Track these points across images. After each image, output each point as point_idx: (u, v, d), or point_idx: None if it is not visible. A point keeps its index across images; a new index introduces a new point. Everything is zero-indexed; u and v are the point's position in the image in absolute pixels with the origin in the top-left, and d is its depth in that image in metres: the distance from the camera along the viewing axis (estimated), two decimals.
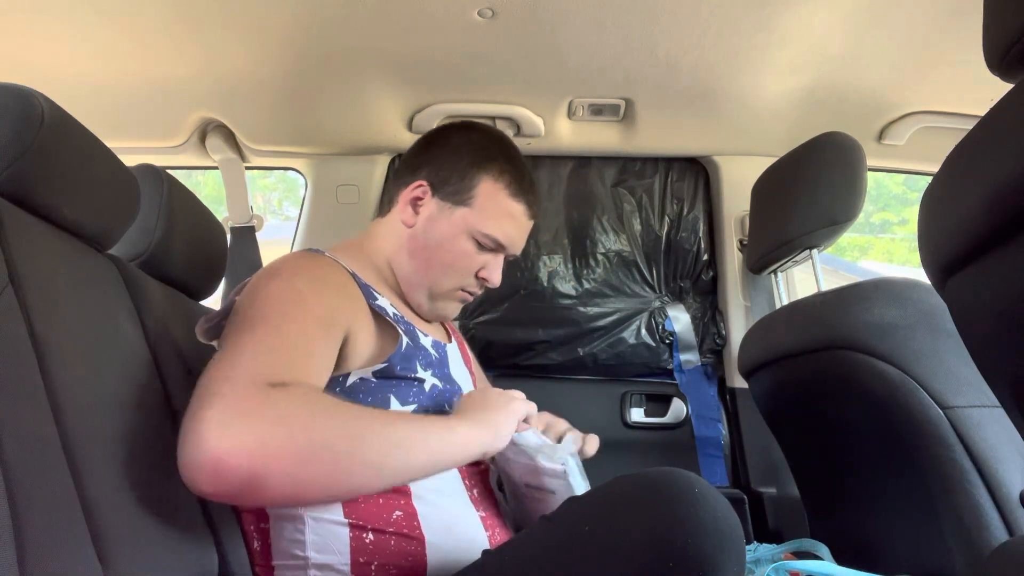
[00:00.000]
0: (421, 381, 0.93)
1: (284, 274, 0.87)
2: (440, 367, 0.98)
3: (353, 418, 0.72)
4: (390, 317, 0.93)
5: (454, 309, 1.10)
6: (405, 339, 0.92)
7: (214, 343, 0.92)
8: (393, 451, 0.73)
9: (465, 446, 0.81)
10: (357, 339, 0.88)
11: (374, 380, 0.89)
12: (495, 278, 1.07)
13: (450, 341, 1.13)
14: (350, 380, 0.88)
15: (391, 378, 0.90)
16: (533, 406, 0.94)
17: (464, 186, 1.04)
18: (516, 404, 0.90)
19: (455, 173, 1.04)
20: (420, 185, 1.05)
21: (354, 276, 0.94)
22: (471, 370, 1.17)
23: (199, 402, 0.66)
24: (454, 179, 1.04)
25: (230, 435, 0.62)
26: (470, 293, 1.08)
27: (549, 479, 0.90)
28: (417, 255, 1.04)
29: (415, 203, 1.05)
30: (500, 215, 1.05)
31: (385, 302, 0.95)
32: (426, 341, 0.99)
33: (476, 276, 1.06)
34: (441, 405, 0.95)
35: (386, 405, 0.89)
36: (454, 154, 1.06)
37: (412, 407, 0.91)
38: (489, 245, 1.05)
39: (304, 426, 0.67)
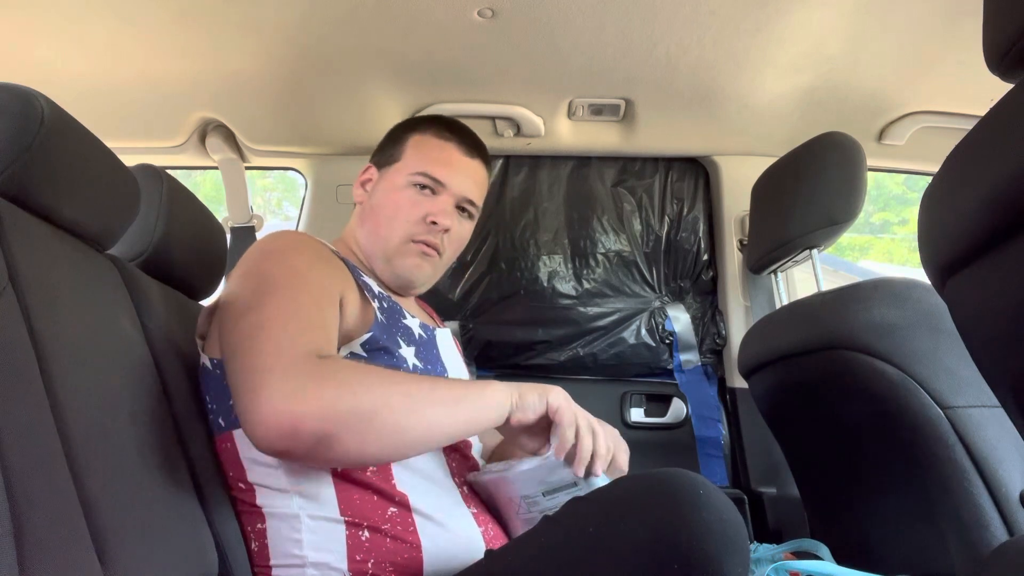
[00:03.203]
0: (404, 360, 0.94)
1: (275, 253, 0.91)
2: (427, 348, 1.00)
3: (401, 380, 0.81)
4: (373, 293, 0.97)
5: (415, 265, 1.06)
6: (379, 314, 0.94)
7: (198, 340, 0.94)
8: (440, 408, 0.80)
9: (498, 406, 0.84)
10: (347, 309, 0.92)
11: (364, 355, 0.91)
12: (443, 219, 1.05)
13: (441, 326, 1.16)
14: (342, 355, 0.89)
15: (378, 350, 0.92)
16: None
17: (396, 148, 1.12)
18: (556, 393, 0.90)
19: (389, 143, 1.15)
20: (368, 168, 1.15)
21: (338, 255, 0.99)
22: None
23: (258, 376, 0.73)
24: (388, 147, 1.14)
25: (302, 400, 0.71)
26: (427, 243, 1.05)
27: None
28: (367, 221, 1.10)
29: (365, 184, 1.14)
30: (429, 155, 1.09)
31: (370, 281, 0.99)
32: (411, 322, 1.01)
33: (426, 222, 1.05)
34: None
35: None
36: (390, 133, 1.17)
37: None
38: (425, 183, 1.06)
39: (364, 389, 0.75)
